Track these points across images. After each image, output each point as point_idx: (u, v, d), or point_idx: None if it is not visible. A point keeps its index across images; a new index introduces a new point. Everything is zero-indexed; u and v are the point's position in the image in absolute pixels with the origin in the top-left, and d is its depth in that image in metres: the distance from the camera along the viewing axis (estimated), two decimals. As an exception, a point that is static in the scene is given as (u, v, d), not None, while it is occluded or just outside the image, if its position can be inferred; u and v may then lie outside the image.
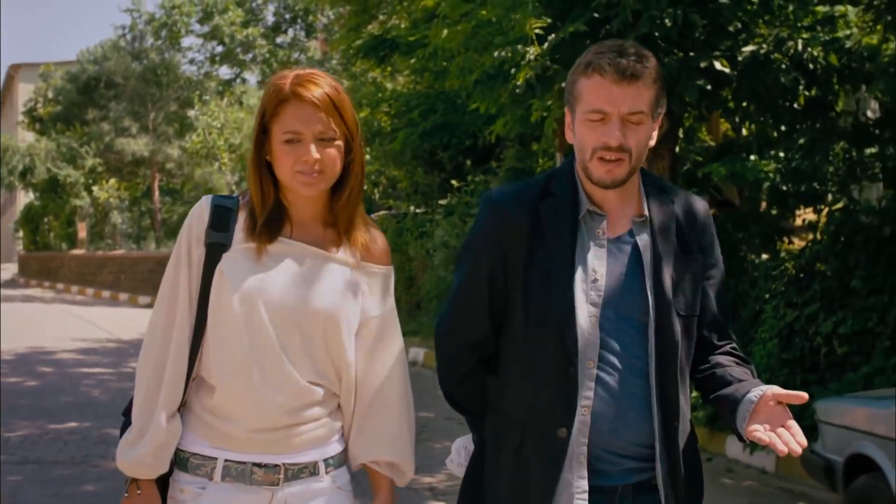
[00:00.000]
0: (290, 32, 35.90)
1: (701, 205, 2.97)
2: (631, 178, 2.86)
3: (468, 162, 20.36)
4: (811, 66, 10.19)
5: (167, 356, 2.75)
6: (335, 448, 2.87)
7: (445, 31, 10.75)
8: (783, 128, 11.19)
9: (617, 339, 2.80)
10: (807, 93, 10.60)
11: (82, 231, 42.30)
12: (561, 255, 2.81)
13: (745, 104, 10.57)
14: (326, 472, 2.83)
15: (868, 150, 10.54)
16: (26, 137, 45.42)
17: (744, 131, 12.82)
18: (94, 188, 41.29)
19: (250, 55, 35.57)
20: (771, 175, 10.09)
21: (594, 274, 2.81)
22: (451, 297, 3.00)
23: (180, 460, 2.78)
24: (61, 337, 19.01)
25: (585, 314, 2.79)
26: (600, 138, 2.76)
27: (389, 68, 18.36)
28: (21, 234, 49.85)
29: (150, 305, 28.86)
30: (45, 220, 45.13)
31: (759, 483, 8.43)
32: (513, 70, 9.92)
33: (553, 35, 9.68)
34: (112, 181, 41.43)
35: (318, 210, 2.84)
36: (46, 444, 9.39)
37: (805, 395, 2.63)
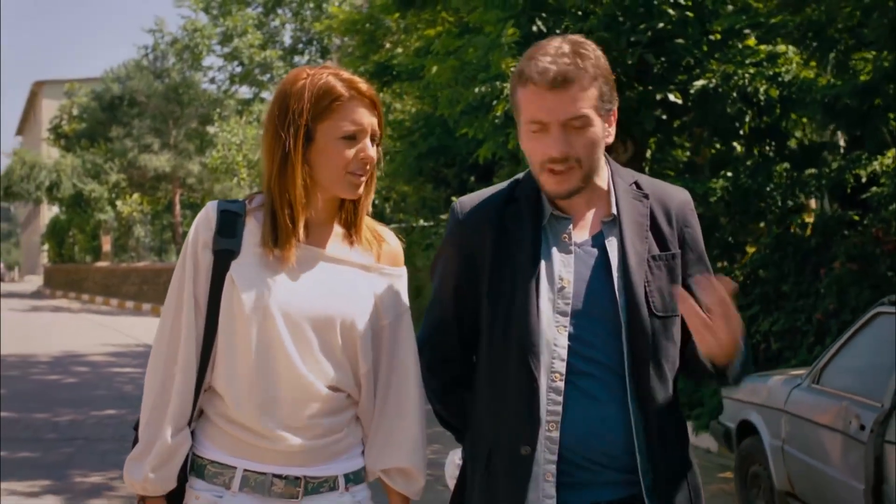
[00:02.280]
0: (307, 54, 37.31)
1: (680, 196, 2.80)
2: (596, 179, 2.70)
3: (472, 178, 21.73)
4: (756, 97, 11.67)
5: (174, 368, 2.62)
6: (356, 463, 2.72)
7: (435, 68, 12.24)
8: (740, 150, 12.66)
9: (591, 347, 2.63)
10: (756, 121, 12.09)
11: (107, 244, 43.58)
12: (524, 264, 2.65)
13: (699, 131, 12.03)
14: (346, 489, 2.69)
15: (808, 171, 11.96)
16: (52, 153, 46.73)
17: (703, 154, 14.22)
18: (118, 203, 42.61)
19: (268, 76, 36.94)
20: (719, 192, 11.52)
21: (560, 282, 2.65)
22: (427, 306, 2.87)
23: (197, 467, 2.64)
24: (91, 342, 20.52)
25: (552, 324, 2.63)
26: (544, 150, 2.60)
27: (397, 89, 19.75)
28: (46, 247, 51.16)
29: (172, 315, 30.36)
30: (71, 233, 46.45)
31: (704, 461, 9.78)
32: (493, 102, 11.38)
33: (526, 73, 11.13)
34: (135, 196, 42.77)
35: (331, 211, 2.72)
36: (90, 426, 10.90)
37: (731, 281, 2.55)
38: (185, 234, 42.50)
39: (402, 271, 2.80)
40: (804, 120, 11.87)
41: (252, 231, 2.65)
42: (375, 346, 2.70)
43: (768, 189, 11.60)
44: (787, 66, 11.88)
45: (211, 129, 40.55)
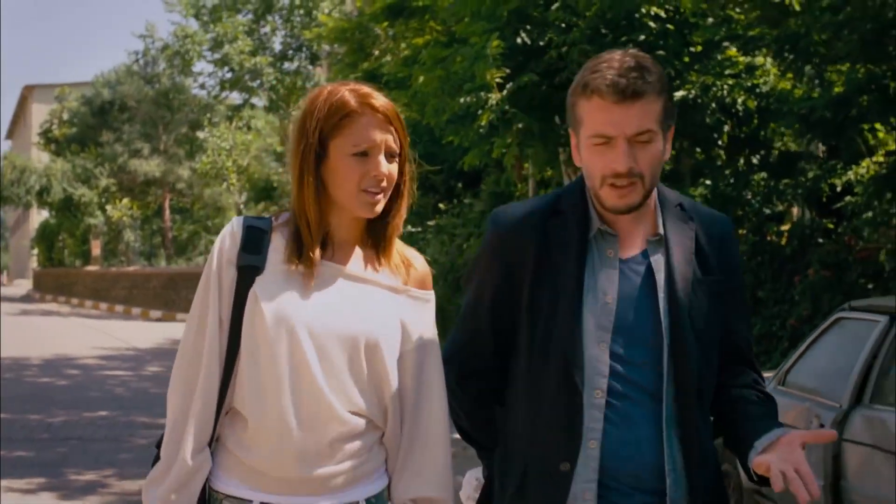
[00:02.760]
0: (297, 60, 37.58)
1: (723, 223, 2.76)
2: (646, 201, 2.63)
3: (459, 185, 22.05)
4: (734, 108, 12.00)
5: (196, 387, 2.56)
6: (378, 486, 2.63)
7: (422, 78, 12.54)
8: (723, 158, 12.98)
9: (630, 366, 2.57)
10: (735, 130, 12.42)
11: (96, 248, 43.80)
12: (569, 277, 2.59)
13: (680, 141, 12.34)
14: None
15: (785, 180, 12.29)
16: (42, 158, 46.91)
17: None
18: (108, 207, 42.87)
19: (258, 82, 37.19)
20: (698, 199, 11.84)
21: (605, 297, 2.59)
22: (458, 320, 2.81)
23: (213, 501, 2.58)
24: (82, 346, 20.73)
25: (594, 340, 2.57)
26: (608, 165, 2.54)
27: (386, 96, 20.05)
28: (36, 251, 51.33)
29: (161, 319, 30.71)
30: (60, 237, 46.65)
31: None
32: (478, 112, 11.69)
33: (511, 84, 11.46)
34: (125, 200, 43.02)
35: (359, 230, 2.64)
36: (84, 426, 11.14)
37: (833, 432, 2.53)
38: (174, 238, 43.16)
39: (431, 295, 2.71)
40: (782, 130, 12.19)
41: (277, 248, 2.59)
42: (402, 370, 2.61)
43: (746, 197, 11.92)
44: (764, 78, 12.21)
45: (201, 135, 40.74)
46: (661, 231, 2.63)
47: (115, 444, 10.02)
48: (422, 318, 2.66)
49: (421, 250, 8.94)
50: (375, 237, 2.64)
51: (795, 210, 13.47)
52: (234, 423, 2.58)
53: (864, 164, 11.97)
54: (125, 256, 43.40)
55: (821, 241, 11.21)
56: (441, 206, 20.55)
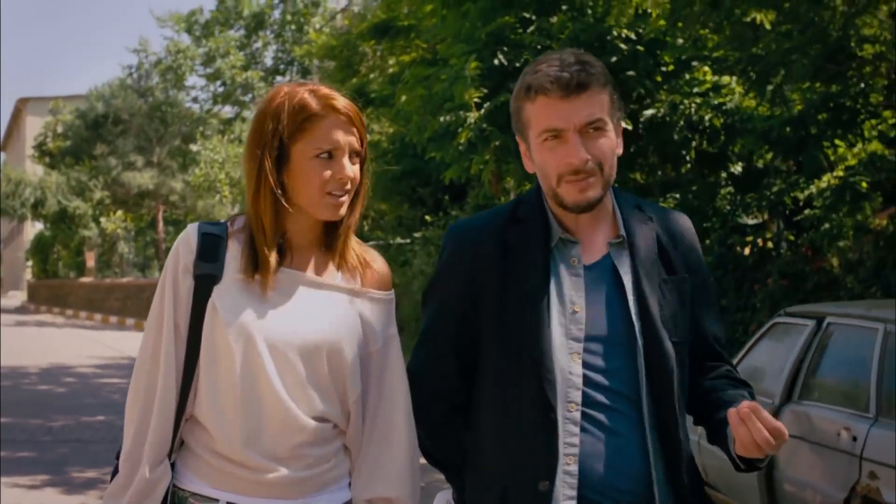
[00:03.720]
0: (288, 74, 38.18)
1: (683, 221, 2.72)
2: (604, 199, 2.58)
3: (446, 197, 22.62)
4: (701, 125, 12.61)
5: (154, 398, 2.51)
6: (343, 495, 2.59)
7: (405, 97, 13.13)
8: (692, 173, 13.59)
9: (605, 374, 2.51)
10: (703, 146, 13.03)
11: (90, 260, 44.22)
12: (534, 288, 2.53)
13: (651, 156, 12.97)
14: None
15: (750, 194, 12.90)
16: (36, 170, 47.33)
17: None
18: (102, 219, 43.32)
19: (250, 96, 37.79)
20: (666, 212, 12.47)
21: (573, 306, 2.53)
22: (419, 339, 2.73)
23: (179, 499, 2.52)
24: (78, 355, 21.26)
25: (565, 351, 2.51)
26: (562, 160, 2.49)
27: (372, 114, 20.67)
28: (31, 262, 51.73)
29: (155, 329, 31.07)
30: (55, 249, 47.06)
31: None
32: (458, 130, 12.27)
33: (488, 103, 12.05)
34: (119, 213, 43.51)
35: (316, 234, 2.59)
36: (82, 429, 11.72)
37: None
38: (167, 250, 43.29)
39: (390, 295, 2.66)
40: (748, 147, 12.80)
41: (234, 255, 2.53)
42: (364, 373, 2.58)
43: (712, 210, 12.53)
44: (730, 96, 12.82)
45: (194, 147, 41.24)
46: (622, 232, 2.59)
47: (112, 446, 10.57)
48: (382, 319, 2.62)
49: (408, 261, 9.59)
50: (332, 240, 2.60)
51: (772, 224, 14.11)
52: (195, 429, 2.54)
53: (825, 178, 12.57)
54: (119, 268, 43.83)
55: (780, 251, 11.82)
56: (427, 218, 21.13)
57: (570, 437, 2.49)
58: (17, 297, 59.19)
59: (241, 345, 2.47)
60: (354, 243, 2.64)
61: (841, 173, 12.37)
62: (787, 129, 11.18)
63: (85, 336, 28.51)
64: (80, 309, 39.91)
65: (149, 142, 42.22)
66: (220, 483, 2.51)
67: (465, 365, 2.64)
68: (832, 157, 12.72)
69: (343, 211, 2.55)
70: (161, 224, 43.72)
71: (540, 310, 2.52)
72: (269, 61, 38.31)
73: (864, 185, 11.34)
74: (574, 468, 2.49)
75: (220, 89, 38.72)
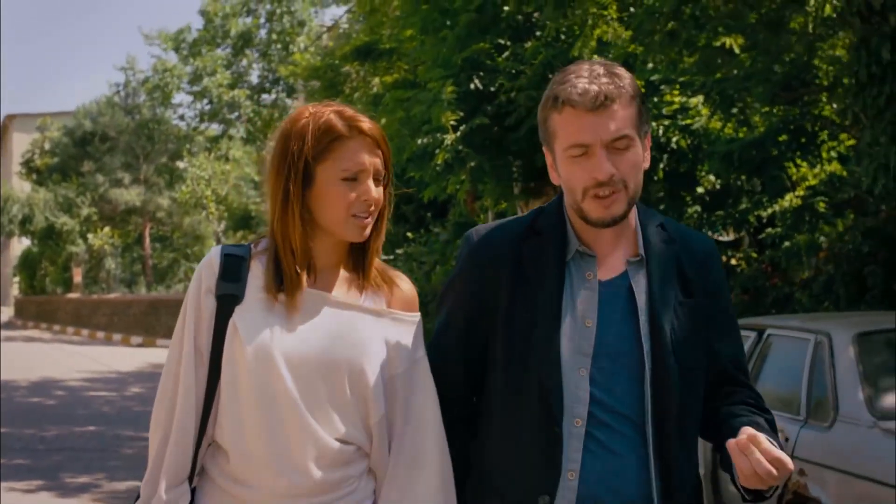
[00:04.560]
0: (274, 92, 38.68)
1: (706, 244, 2.68)
2: (628, 214, 2.54)
3: (429, 215, 23.13)
4: (668, 146, 13.16)
5: (173, 421, 2.51)
6: None
7: (384, 119, 13.66)
8: (659, 193, 14.13)
9: (610, 393, 2.48)
10: (671, 166, 13.56)
11: (78, 276, 44.35)
12: (547, 300, 2.51)
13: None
14: None
15: (717, 212, 13.45)
16: (24, 187, 47.59)
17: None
18: (89, 236, 43.43)
19: (236, 114, 38.27)
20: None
21: (584, 320, 2.50)
22: (428, 345, 2.66)
23: None
24: (67, 369, 21.63)
25: (573, 366, 2.47)
26: (588, 175, 2.46)
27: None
28: (17, 278, 51.88)
29: (142, 345, 31.51)
30: (42, 265, 47.26)
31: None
32: (435, 151, 12.80)
33: (464, 126, 12.59)
34: (106, 229, 43.58)
35: (341, 255, 2.59)
36: (75, 438, 12.19)
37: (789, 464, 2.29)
38: (154, 266, 43.91)
39: (416, 316, 2.62)
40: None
41: (256, 276, 2.53)
42: (389, 395, 2.55)
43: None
44: (697, 118, 13.38)
45: (180, 165, 41.72)
46: (642, 252, 2.56)
47: (104, 454, 11.06)
48: (408, 340, 2.58)
49: None
50: (357, 261, 2.58)
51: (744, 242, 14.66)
52: (217, 455, 2.53)
53: (787, 197, 13.13)
54: (106, 284, 43.94)
55: (742, 268, 12.36)
56: (409, 235, 21.65)
57: (573, 453, 2.46)
58: (4, 313, 59.36)
59: (261, 365, 2.45)
60: (379, 263, 2.63)
61: (802, 192, 12.93)
62: (750, 150, 11.73)
63: (72, 351, 28.84)
64: (67, 324, 40.00)
65: (136, 159, 42.47)
66: None
67: (473, 374, 2.62)
68: (794, 177, 13.28)
69: (367, 232, 2.53)
70: (148, 240, 43.94)
71: (551, 322, 2.49)
72: (255, 80, 38.79)
73: (821, 205, 11.90)
74: (574, 483, 2.46)
75: (207, 107, 39.17)
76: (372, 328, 2.55)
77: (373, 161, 2.51)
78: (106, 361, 24.61)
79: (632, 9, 9.83)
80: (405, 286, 2.65)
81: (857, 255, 9.80)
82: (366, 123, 2.53)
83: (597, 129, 2.45)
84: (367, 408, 2.52)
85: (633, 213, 2.59)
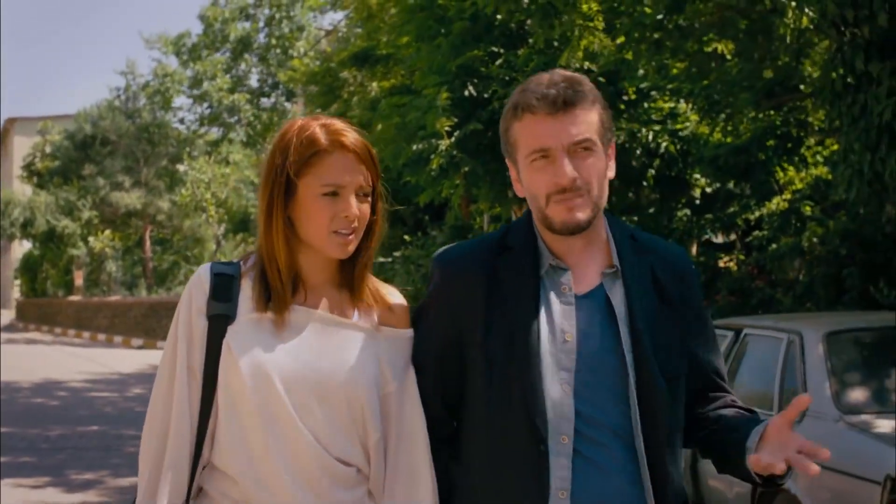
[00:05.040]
0: (273, 96, 38.98)
1: (679, 253, 2.68)
2: (597, 225, 2.51)
3: (426, 218, 23.41)
4: (658, 151, 13.47)
5: (167, 443, 2.45)
6: None
7: (381, 126, 13.98)
8: (649, 198, 14.44)
9: (595, 407, 2.44)
10: (662, 171, 13.87)
11: (79, 278, 44.48)
12: (524, 316, 2.46)
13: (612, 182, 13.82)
14: None
15: (706, 216, 13.76)
16: (25, 190, 47.79)
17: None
18: (90, 238, 43.60)
19: (236, 118, 38.57)
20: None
21: (563, 335, 2.46)
22: None
23: None
24: (68, 371, 21.89)
25: (556, 382, 2.43)
26: (550, 180, 2.42)
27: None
28: (19, 281, 52.10)
29: (143, 347, 31.71)
30: (43, 268, 47.47)
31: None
32: (430, 157, 13.11)
33: (458, 131, 12.89)
34: (107, 232, 43.81)
35: (331, 271, 2.54)
36: (77, 437, 12.50)
37: (807, 398, 2.43)
38: (154, 268, 44.13)
39: (409, 333, 2.59)
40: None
41: (247, 294, 2.49)
42: (382, 413, 2.52)
43: (668, 232, 13.38)
44: (686, 123, 13.68)
45: (180, 168, 41.93)
46: (616, 263, 2.52)
47: (107, 452, 11.37)
48: (399, 357, 2.56)
49: (389, 280, 10.00)
50: (347, 276, 2.54)
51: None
52: (216, 477, 2.48)
53: (774, 200, 13.44)
54: (107, 286, 44.11)
55: (730, 270, 12.68)
56: (406, 238, 21.93)
57: (561, 471, 2.42)
58: (6, 316, 59.52)
59: (259, 386, 2.41)
60: (371, 280, 2.58)
61: (789, 196, 13.24)
62: (736, 155, 12.04)
63: (74, 353, 29.05)
64: (68, 327, 40.13)
65: (136, 162, 42.61)
66: None
67: (450, 395, 2.57)
68: (782, 181, 13.59)
69: (351, 248, 2.48)
70: (148, 243, 44.10)
71: (530, 339, 2.44)
72: (254, 84, 39.10)
73: (807, 209, 12.21)
74: (567, 502, 2.42)
75: (207, 111, 39.48)
76: (364, 346, 2.51)
77: (354, 177, 2.46)
78: (107, 363, 24.86)
79: (617, 23, 10.11)
80: (397, 302, 2.60)
81: (836, 257, 10.11)
82: (349, 138, 2.47)
83: (558, 133, 2.43)
84: (365, 428, 2.49)
85: (604, 224, 2.56)
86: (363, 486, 2.51)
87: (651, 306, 2.51)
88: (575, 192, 2.42)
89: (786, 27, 8.83)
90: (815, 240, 10.78)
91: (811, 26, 8.62)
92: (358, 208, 2.46)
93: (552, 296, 2.50)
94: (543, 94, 2.43)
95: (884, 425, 5.69)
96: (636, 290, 2.51)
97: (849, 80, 8.02)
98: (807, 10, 8.31)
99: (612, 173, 2.54)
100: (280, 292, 2.47)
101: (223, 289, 2.49)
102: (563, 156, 2.42)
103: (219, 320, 2.46)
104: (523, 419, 2.42)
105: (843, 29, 7.96)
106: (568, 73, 2.52)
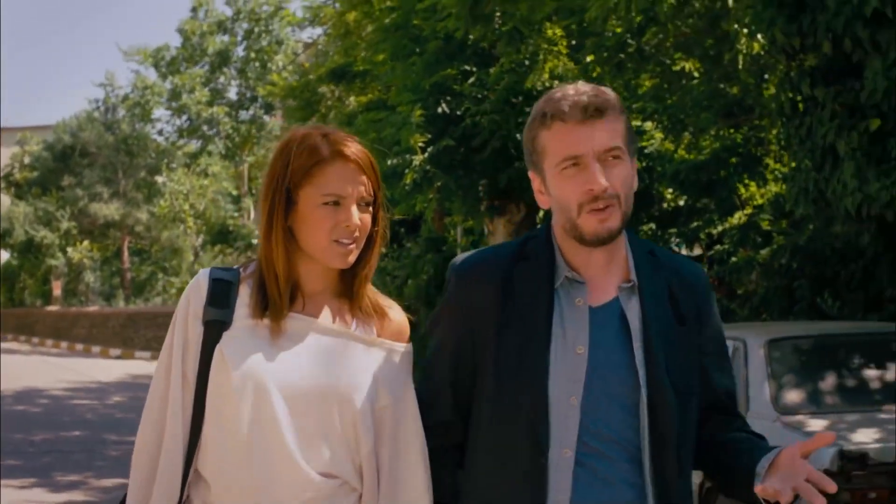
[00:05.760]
0: (252, 109, 39.35)
1: (696, 270, 2.64)
2: (618, 238, 2.48)
3: (402, 230, 23.85)
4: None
5: (160, 450, 2.45)
6: None
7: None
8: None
9: (603, 421, 2.43)
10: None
11: (57, 289, 44.38)
12: (536, 327, 2.46)
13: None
14: None
15: (670, 230, 14.26)
16: (3, 200, 47.85)
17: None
18: (69, 249, 43.61)
19: (214, 130, 38.93)
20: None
21: (576, 347, 2.45)
22: (422, 372, 2.65)
23: None
24: (49, 380, 22.15)
25: (564, 394, 2.43)
26: (582, 188, 2.40)
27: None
28: (-3, 291, 52.18)
29: (120, 357, 31.89)
30: (21, 278, 47.52)
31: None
32: (405, 171, 13.56)
33: (432, 147, 13.35)
34: (85, 243, 43.88)
35: (330, 280, 2.53)
36: (63, 442, 12.90)
37: (832, 434, 2.40)
38: (133, 279, 44.29)
39: (407, 347, 2.58)
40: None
41: (245, 301, 2.48)
42: (377, 426, 2.49)
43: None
44: (651, 140, 14.19)
45: (159, 179, 42.09)
46: (634, 278, 2.50)
47: (90, 455, 11.79)
48: (397, 370, 2.54)
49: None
50: (346, 287, 2.53)
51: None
52: (199, 484, 2.48)
53: (737, 215, 13.95)
54: (85, 297, 44.21)
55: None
56: (382, 250, 22.35)
57: (561, 483, 2.41)
58: (-18, 326, 59.39)
59: (247, 392, 2.40)
60: (370, 291, 2.57)
61: (749, 210, 13.75)
62: (697, 172, 12.53)
63: (52, 363, 29.23)
64: (46, 337, 40.12)
65: (115, 173, 42.67)
66: None
67: (462, 402, 2.55)
68: (744, 196, 14.10)
69: (352, 259, 2.48)
70: (126, 254, 44.17)
71: (541, 350, 2.44)
72: (233, 96, 39.47)
73: (765, 223, 12.72)
74: None
75: (186, 123, 39.80)
76: (362, 357, 2.50)
77: (356, 187, 2.45)
78: (86, 372, 25.13)
79: (588, 42, 10.58)
80: (397, 315, 2.59)
81: (788, 270, 10.61)
82: (350, 148, 2.46)
83: (589, 140, 2.41)
84: (357, 439, 2.46)
85: (624, 239, 2.53)
86: (351, 497, 2.48)
87: (667, 323, 2.49)
88: (607, 200, 2.41)
89: (739, 52, 9.33)
90: (764, 253, 11.27)
91: (762, 52, 9.12)
92: (359, 218, 2.46)
93: (566, 307, 2.49)
94: (574, 101, 2.42)
95: (817, 424, 6.18)
96: (652, 306, 2.49)
97: (797, 103, 8.54)
98: (759, 36, 8.81)
99: (635, 185, 2.52)
100: (277, 301, 2.46)
101: (221, 295, 2.48)
102: (595, 163, 2.41)
103: (214, 326, 2.46)
104: (527, 430, 2.42)
105: (792, 56, 8.47)
106: (590, 84, 2.52)
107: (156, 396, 2.49)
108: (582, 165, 2.40)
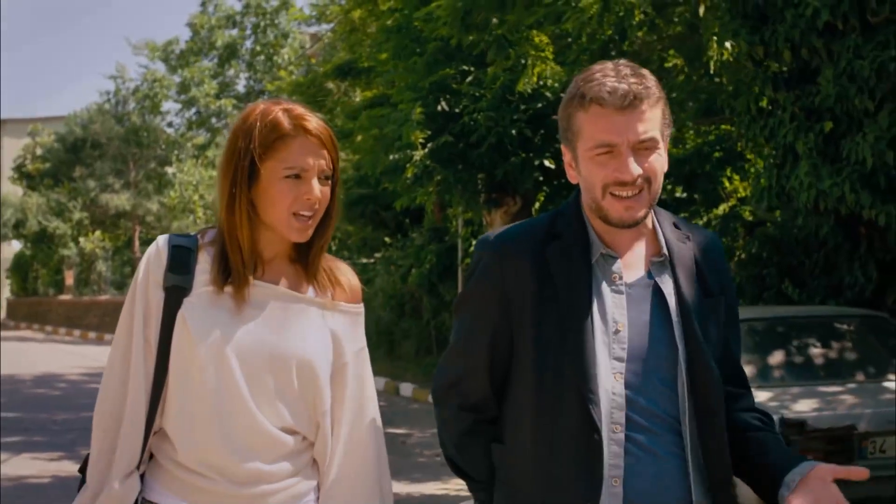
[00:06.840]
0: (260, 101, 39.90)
1: (714, 239, 2.66)
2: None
3: (406, 220, 24.50)
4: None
5: (123, 411, 2.49)
6: None
7: (360, 136, 15.16)
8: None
9: (646, 397, 2.43)
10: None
11: (69, 278, 45.00)
12: (576, 305, 2.44)
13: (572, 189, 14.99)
14: None
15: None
16: (15, 191, 48.32)
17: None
18: (81, 239, 44.31)
19: (222, 122, 39.53)
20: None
21: (615, 324, 2.44)
22: (448, 350, 2.66)
23: None
24: (64, 366, 22.96)
25: (608, 371, 2.42)
26: (612, 174, 2.40)
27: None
28: (9, 280, 52.65)
29: (134, 344, 32.41)
30: (34, 268, 48.09)
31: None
32: (406, 166, 14.29)
33: (431, 143, 14.06)
34: (97, 233, 44.55)
35: (287, 247, 2.58)
36: (83, 421, 13.57)
37: (865, 470, 2.39)
38: (144, 269, 44.53)
39: (360, 308, 2.66)
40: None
41: (204, 267, 2.53)
42: (333, 385, 2.57)
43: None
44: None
45: (169, 170, 42.52)
46: (665, 251, 2.51)
47: (111, 433, 12.56)
48: (352, 332, 2.61)
49: (371, 280, 11.22)
50: (302, 254, 2.58)
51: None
52: (164, 443, 2.53)
53: (721, 207, 14.67)
54: (97, 286, 44.61)
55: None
56: (387, 239, 23.02)
57: (614, 459, 2.42)
58: (-4, 315, 59.94)
59: (211, 357, 2.45)
60: (325, 258, 2.63)
61: (733, 202, 14.46)
62: (679, 166, 13.24)
63: (66, 350, 29.87)
64: (59, 325, 40.58)
65: (125, 165, 43.08)
66: (187, 494, 2.50)
67: (497, 378, 2.56)
68: (728, 189, 14.81)
69: (310, 233, 2.53)
70: (137, 244, 44.34)
71: (584, 328, 2.43)
72: (241, 89, 40.06)
73: (747, 214, 13.44)
74: (619, 490, 2.43)
75: (195, 116, 40.37)
76: (319, 320, 2.57)
77: (317, 161, 2.50)
78: (100, 359, 25.57)
79: (574, 45, 11.24)
80: (349, 278, 2.66)
81: (759, 259, 11.34)
82: (312, 122, 2.51)
83: (625, 130, 2.40)
84: (315, 399, 2.54)
85: (651, 213, 2.54)
86: (307, 453, 2.57)
87: (698, 295, 2.50)
88: (635, 187, 2.42)
89: (710, 59, 10.05)
90: (739, 243, 11.98)
91: (731, 59, 9.85)
92: (319, 191, 2.51)
93: (603, 285, 2.48)
94: (614, 88, 2.40)
95: (763, 396, 6.94)
96: (685, 279, 2.50)
97: (762, 105, 9.29)
98: (727, 44, 9.55)
99: (666, 166, 2.52)
100: (240, 270, 2.51)
101: (181, 261, 2.52)
102: (629, 153, 2.41)
103: (175, 292, 2.50)
104: (578, 408, 2.41)
105: (757, 62, 9.21)
106: (633, 65, 2.51)
107: (115, 362, 2.54)
108: (615, 153, 2.41)
